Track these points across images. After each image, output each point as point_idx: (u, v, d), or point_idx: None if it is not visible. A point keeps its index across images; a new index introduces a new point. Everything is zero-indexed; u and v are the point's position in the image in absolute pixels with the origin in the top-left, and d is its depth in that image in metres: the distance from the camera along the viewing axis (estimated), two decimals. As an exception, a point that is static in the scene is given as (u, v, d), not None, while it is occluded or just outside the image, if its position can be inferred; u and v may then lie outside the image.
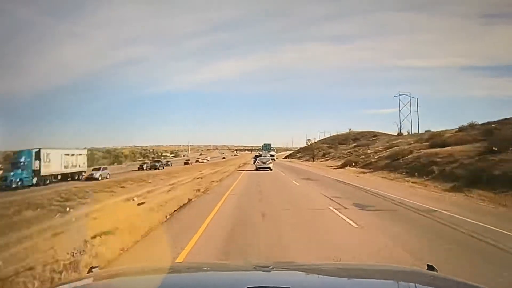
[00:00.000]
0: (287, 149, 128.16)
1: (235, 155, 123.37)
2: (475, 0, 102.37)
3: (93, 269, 1.75)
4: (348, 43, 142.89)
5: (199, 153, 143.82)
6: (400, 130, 53.75)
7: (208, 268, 2.00)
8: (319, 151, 62.57)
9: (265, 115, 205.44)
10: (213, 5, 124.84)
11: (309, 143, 59.05)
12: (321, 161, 51.39)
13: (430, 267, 1.70)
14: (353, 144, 60.77)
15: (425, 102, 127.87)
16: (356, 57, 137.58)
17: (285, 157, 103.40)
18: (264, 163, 32.01)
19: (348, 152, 49.58)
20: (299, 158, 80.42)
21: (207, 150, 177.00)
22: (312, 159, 55.70)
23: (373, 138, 65.83)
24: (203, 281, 1.62)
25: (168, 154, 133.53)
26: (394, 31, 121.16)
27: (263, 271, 1.73)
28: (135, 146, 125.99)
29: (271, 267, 1.76)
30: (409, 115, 53.21)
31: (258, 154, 55.31)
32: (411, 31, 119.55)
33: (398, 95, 54.79)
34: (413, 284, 1.47)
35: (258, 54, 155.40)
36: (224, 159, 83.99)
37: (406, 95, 55.91)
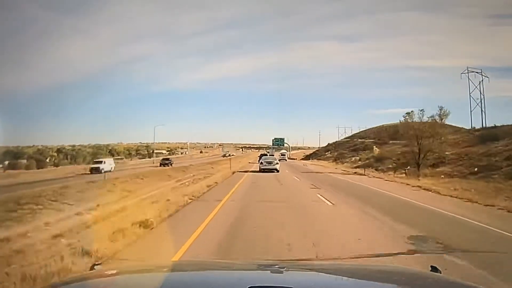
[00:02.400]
0: (298, 148, 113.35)
1: (224, 156, 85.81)
2: (484, 1, 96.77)
3: (95, 266, 1.75)
4: (357, 43, 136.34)
5: (199, 151, 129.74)
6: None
7: (211, 267, 2.00)
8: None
9: (274, 114, 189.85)
10: (220, 3, 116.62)
11: (404, 120, 23.28)
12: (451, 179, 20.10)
13: (434, 269, 1.67)
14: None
15: (430, 102, 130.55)
16: (363, 56, 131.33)
17: (306, 158, 73.94)
18: (269, 163, 26.29)
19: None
20: (335, 160, 50.50)
21: (209, 147, 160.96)
22: (415, 167, 22.57)
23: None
24: (205, 280, 1.59)
25: (164, 151, 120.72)
26: (403, 31, 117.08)
27: (266, 270, 1.73)
28: (140, 142, 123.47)
29: (273, 266, 1.76)
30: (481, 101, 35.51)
31: (264, 153, 50.46)
32: (419, 31, 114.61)
33: (466, 72, 37.30)
34: (417, 285, 1.49)
35: (266, 53, 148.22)
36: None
37: (477, 72, 38.05)
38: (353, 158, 44.00)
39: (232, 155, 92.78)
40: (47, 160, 66.18)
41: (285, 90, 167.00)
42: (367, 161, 35.33)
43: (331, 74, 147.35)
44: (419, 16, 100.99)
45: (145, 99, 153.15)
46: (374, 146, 37.55)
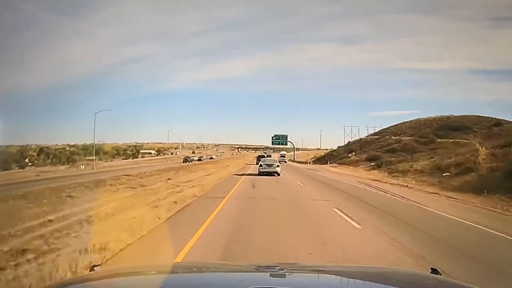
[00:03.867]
0: (298, 149, 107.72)
1: (186, 161, 60.14)
2: (483, 3, 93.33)
3: (95, 268, 1.72)
4: (355, 45, 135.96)
5: (192, 151, 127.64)
6: None
7: (210, 269, 1.99)
8: None
9: (273, 114, 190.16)
10: (219, 4, 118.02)
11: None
12: None
13: (434, 271, 1.66)
14: None
15: (431, 104, 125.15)
16: (363, 58, 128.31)
17: (318, 161, 55.79)
18: (269, 166, 23.05)
19: None
20: (378, 167, 32.17)
21: (203, 148, 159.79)
22: None
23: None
24: (205, 282, 1.59)
25: (152, 151, 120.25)
26: (401, 33, 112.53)
27: (266, 272, 1.71)
28: (136, 142, 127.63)
29: (273, 268, 1.74)
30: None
31: (262, 154, 50.07)
32: (418, 33, 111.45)
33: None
34: (418, 287, 1.49)
35: (266, 54, 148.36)
36: None
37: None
38: (414, 165, 25.65)
39: (211, 157, 76.26)
40: (27, 160, 63.45)
41: (285, 91, 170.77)
42: (473, 173, 16.96)
43: (331, 76, 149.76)
44: (419, 18, 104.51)
45: (144, 100, 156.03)
46: (477, 144, 19.09)
